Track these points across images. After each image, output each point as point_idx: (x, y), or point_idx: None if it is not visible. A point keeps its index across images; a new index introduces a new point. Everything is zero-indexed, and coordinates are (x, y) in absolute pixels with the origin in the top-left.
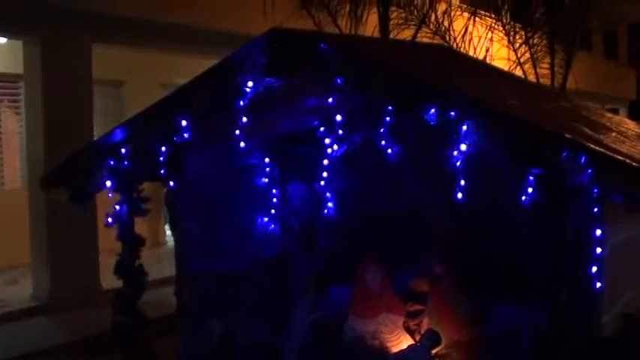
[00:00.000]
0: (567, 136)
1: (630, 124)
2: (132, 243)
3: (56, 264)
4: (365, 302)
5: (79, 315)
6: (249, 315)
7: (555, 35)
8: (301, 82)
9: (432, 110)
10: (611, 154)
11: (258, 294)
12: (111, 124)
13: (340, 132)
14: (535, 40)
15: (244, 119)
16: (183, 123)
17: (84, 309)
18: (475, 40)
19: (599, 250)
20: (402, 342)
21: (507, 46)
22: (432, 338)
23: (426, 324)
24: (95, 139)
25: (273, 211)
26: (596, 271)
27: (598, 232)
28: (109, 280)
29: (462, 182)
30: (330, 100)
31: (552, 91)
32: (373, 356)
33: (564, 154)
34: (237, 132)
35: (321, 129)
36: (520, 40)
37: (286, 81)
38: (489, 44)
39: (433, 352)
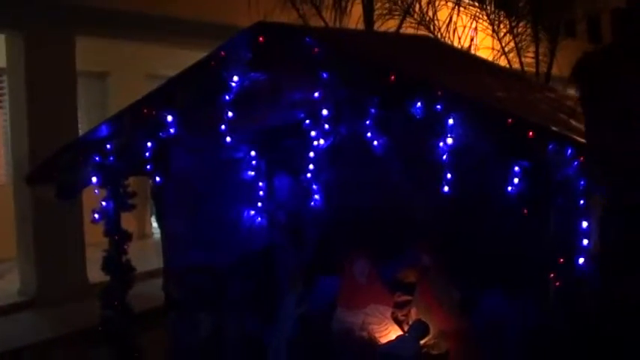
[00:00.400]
0: (553, 128)
1: None
2: (119, 238)
3: (43, 259)
4: (353, 294)
5: (67, 309)
6: (238, 309)
7: (539, 24)
8: (286, 76)
9: (418, 104)
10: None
11: (245, 287)
12: (95, 116)
13: (326, 126)
14: (519, 29)
15: (230, 114)
16: (169, 118)
17: (71, 303)
18: (460, 29)
19: (585, 241)
20: (391, 333)
21: (492, 36)
22: (419, 328)
23: (413, 314)
24: (80, 133)
25: (259, 204)
26: (583, 262)
27: (584, 224)
28: (96, 274)
29: (449, 175)
30: (317, 94)
31: (537, 82)
32: (361, 347)
33: (550, 146)
34: (223, 127)
35: (307, 122)
36: (504, 29)
37: (271, 75)
38: (474, 34)
39: (421, 342)
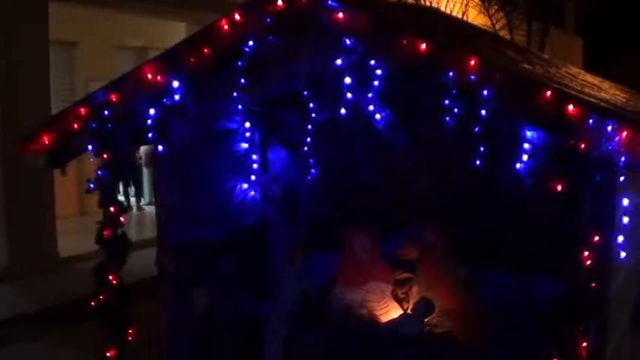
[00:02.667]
0: (593, 100)
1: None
2: (115, 210)
3: (13, 232)
4: (353, 270)
5: (38, 283)
6: (230, 284)
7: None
8: (305, 43)
9: (450, 74)
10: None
11: (239, 262)
12: (63, 86)
13: (349, 95)
14: (511, 7)
15: (242, 80)
16: (175, 84)
17: (42, 277)
18: (451, 5)
19: (625, 219)
20: (391, 310)
21: (483, 12)
22: (425, 307)
23: (415, 292)
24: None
25: (253, 177)
26: (622, 241)
27: (625, 201)
28: (67, 248)
29: (481, 149)
30: (339, 61)
31: (549, 58)
32: (361, 325)
33: (590, 120)
34: (235, 94)
35: (305, 92)
36: (496, 7)
37: (289, 41)
38: (465, 9)
39: (425, 320)
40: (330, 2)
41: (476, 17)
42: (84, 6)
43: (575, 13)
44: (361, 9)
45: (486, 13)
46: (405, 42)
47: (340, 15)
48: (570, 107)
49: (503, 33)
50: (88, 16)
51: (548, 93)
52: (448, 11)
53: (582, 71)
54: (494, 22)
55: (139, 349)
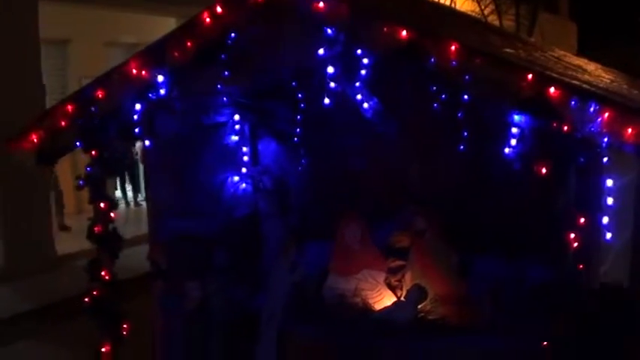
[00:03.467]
0: (575, 82)
1: (609, 71)
2: (105, 206)
3: (9, 231)
4: (345, 259)
5: (35, 282)
6: (224, 277)
7: None
8: (287, 33)
9: (432, 60)
10: (622, 101)
11: (232, 255)
12: (55, 84)
13: (332, 84)
14: None
15: (226, 73)
16: (160, 78)
17: (39, 275)
18: None
19: (610, 200)
20: (384, 298)
21: None
22: (418, 294)
23: (408, 280)
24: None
25: (244, 169)
26: (607, 222)
27: (609, 182)
28: (64, 246)
29: (465, 134)
30: (321, 51)
31: (534, 42)
32: (355, 314)
33: (573, 102)
34: (221, 87)
35: (292, 84)
36: None
37: (271, 32)
38: None
39: (419, 307)
40: None
41: (464, 3)
42: (74, 4)
43: None
44: None
45: None
46: (385, 30)
47: (321, 5)
48: (552, 90)
49: (492, 18)
50: (79, 13)
51: (530, 76)
52: None
53: (568, 53)
54: (482, 7)
55: (136, 343)
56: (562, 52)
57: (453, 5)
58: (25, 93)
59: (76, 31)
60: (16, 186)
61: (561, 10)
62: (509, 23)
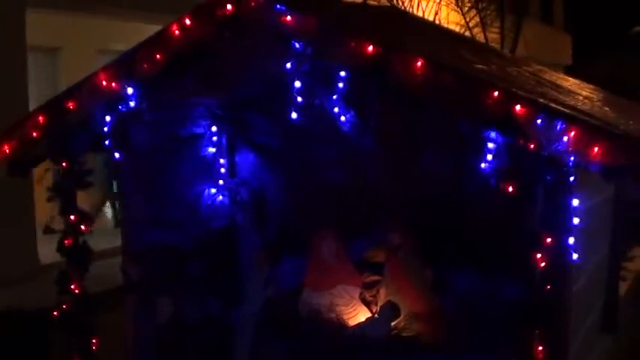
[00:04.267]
0: (541, 101)
1: (587, 87)
2: (75, 218)
3: None
4: (320, 274)
5: (18, 290)
6: (199, 290)
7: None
8: (257, 46)
9: (395, 74)
10: (588, 119)
11: (207, 268)
12: (46, 92)
13: (299, 99)
14: (484, 4)
15: (198, 84)
16: (129, 90)
17: (22, 284)
18: (424, 3)
19: (576, 220)
20: (359, 314)
21: (456, 10)
22: (390, 310)
23: (382, 295)
24: (31, 109)
25: (220, 181)
26: (573, 242)
27: (575, 202)
28: (48, 255)
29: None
30: (289, 65)
31: (512, 55)
32: (330, 329)
33: (539, 120)
34: (192, 99)
35: (263, 96)
36: (469, 4)
37: (242, 44)
38: (438, 8)
39: (392, 324)
40: (278, 6)
41: (448, 15)
42: (63, 12)
43: (563, 9)
44: (309, 12)
45: (459, 11)
46: (352, 44)
47: (289, 18)
48: (518, 107)
49: (477, 31)
50: (70, 21)
51: (496, 93)
52: (421, 10)
53: (545, 68)
54: (467, 20)
55: (111, 358)
56: (538, 67)
57: (437, 17)
58: (9, 102)
59: (67, 39)
60: None
61: (556, 21)
62: (494, 36)
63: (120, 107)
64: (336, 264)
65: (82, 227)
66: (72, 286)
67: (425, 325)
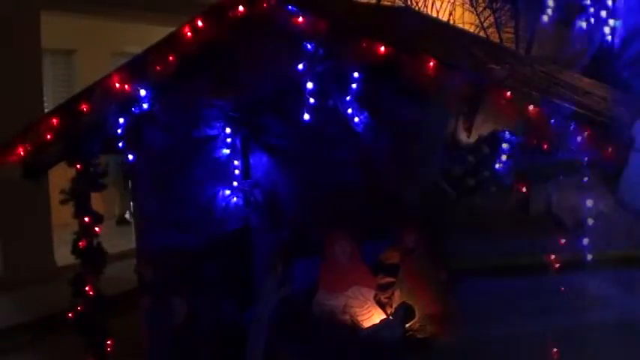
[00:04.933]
0: (555, 101)
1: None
2: (89, 220)
3: (8, 242)
4: (334, 276)
5: (34, 293)
6: (214, 292)
7: None
8: (269, 47)
9: (407, 75)
10: (603, 120)
11: (221, 269)
12: (62, 95)
13: (311, 100)
14: (498, 4)
15: (209, 86)
16: (142, 92)
17: (39, 286)
18: (438, 3)
19: (590, 221)
20: (373, 316)
21: (470, 10)
22: (405, 312)
23: (397, 297)
24: (46, 111)
25: (235, 183)
26: (588, 243)
27: (589, 202)
28: (64, 257)
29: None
30: (301, 66)
31: (525, 55)
32: (344, 331)
33: (553, 121)
34: (205, 100)
35: (286, 97)
36: (483, 4)
37: (254, 45)
38: (452, 8)
39: (407, 325)
40: (290, 7)
41: (463, 15)
42: (78, 15)
43: None
44: (321, 13)
45: (474, 11)
46: (364, 45)
47: (300, 19)
48: (530, 108)
49: (492, 31)
50: (85, 24)
51: (508, 94)
52: (435, 10)
53: (561, 68)
54: (482, 20)
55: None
56: (554, 67)
57: (451, 17)
58: (25, 105)
59: (82, 42)
60: (14, 196)
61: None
62: (508, 36)
63: (133, 109)
64: (351, 265)
65: (96, 229)
66: (86, 288)
67: (440, 327)
